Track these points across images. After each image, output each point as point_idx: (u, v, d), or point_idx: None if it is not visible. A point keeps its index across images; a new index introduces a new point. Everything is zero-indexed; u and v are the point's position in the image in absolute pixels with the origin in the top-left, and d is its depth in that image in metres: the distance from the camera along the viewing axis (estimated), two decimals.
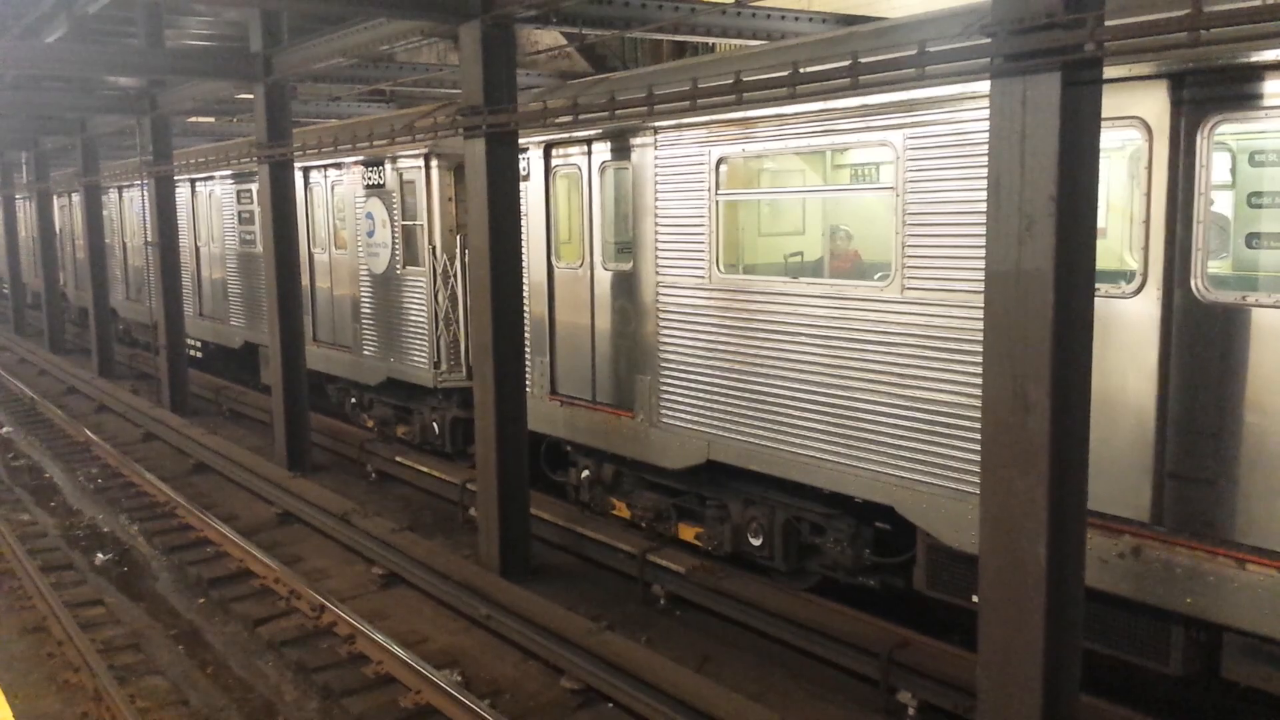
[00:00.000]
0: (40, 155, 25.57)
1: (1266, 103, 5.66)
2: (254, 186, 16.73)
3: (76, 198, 26.18)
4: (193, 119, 22.40)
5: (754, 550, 9.03)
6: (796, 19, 11.44)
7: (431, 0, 9.28)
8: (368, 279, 14.18)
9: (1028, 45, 5.17)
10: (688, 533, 9.71)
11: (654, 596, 9.34)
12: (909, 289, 7.30)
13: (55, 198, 27.78)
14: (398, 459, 13.46)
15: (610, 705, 7.52)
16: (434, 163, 12.74)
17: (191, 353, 19.80)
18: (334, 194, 15.06)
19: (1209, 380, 5.92)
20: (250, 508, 12.74)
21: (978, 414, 6.35)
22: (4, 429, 17.69)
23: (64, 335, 26.52)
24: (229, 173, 17.92)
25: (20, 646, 8.82)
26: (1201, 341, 5.95)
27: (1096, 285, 5.71)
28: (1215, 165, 5.98)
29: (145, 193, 18.13)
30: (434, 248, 12.83)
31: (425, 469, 12.94)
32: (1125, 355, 6.22)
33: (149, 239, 18.17)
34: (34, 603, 9.64)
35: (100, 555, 11.09)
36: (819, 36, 9.31)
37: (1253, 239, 6.28)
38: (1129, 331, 6.20)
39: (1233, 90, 5.77)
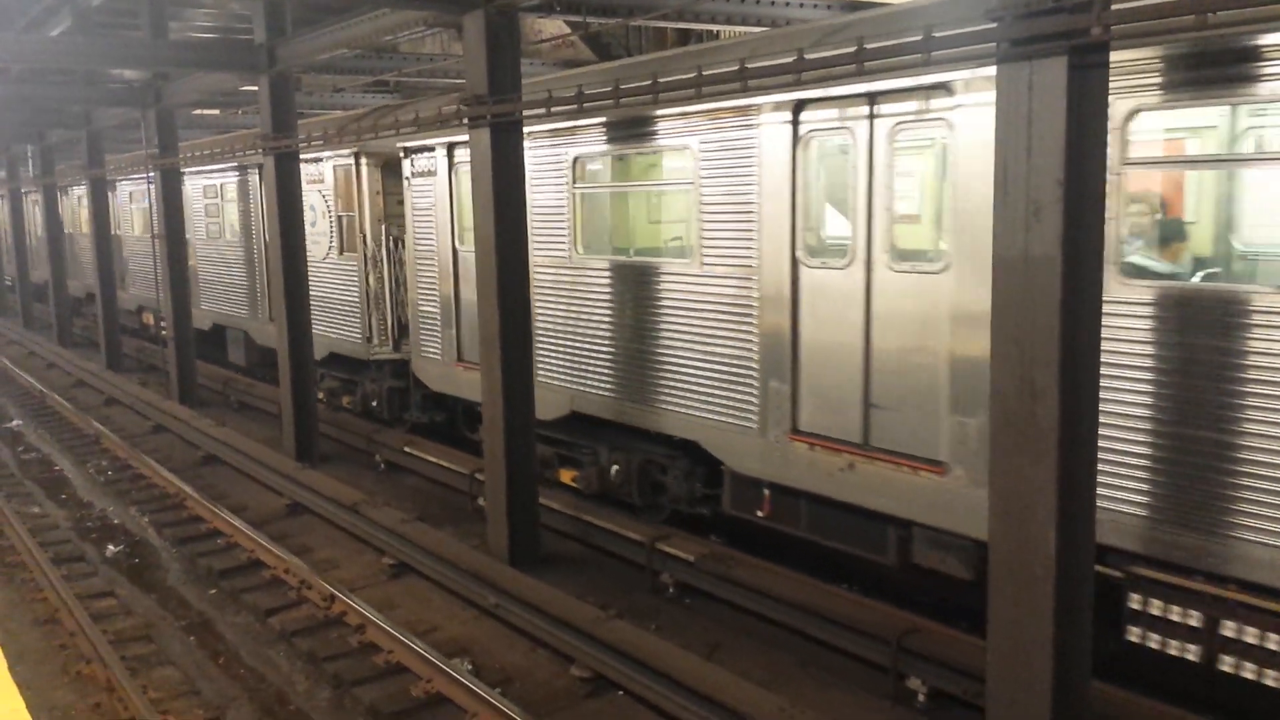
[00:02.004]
0: (46, 149, 25.59)
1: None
2: (220, 181, 18.62)
3: (75, 192, 27.44)
4: (197, 111, 22.41)
5: (617, 489, 10.54)
6: (801, 5, 11.39)
7: None
8: (311, 264, 15.10)
9: (1034, 29, 5.15)
10: (566, 476, 11.11)
11: (663, 585, 9.35)
12: (704, 264, 8.94)
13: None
14: (406, 449, 13.49)
15: (620, 693, 7.54)
16: (363, 160, 14.43)
17: (164, 334, 20.88)
18: None
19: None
20: (260, 499, 12.79)
21: (755, 365, 8.54)
22: (14, 422, 17.77)
23: (72, 328, 26.59)
24: (197, 169, 18.89)
25: (32, 638, 8.87)
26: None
27: (825, 261, 7.94)
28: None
29: (151, 186, 18.29)
30: (364, 236, 14.53)
31: (434, 459, 12.96)
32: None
33: (155, 231, 18.23)
34: (45, 595, 9.69)
35: (111, 547, 11.15)
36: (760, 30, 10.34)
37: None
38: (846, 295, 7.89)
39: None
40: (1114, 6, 4.97)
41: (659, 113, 9.09)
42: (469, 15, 9.28)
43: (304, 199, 14.86)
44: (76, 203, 27.97)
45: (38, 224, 30.02)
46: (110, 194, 23.51)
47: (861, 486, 7.81)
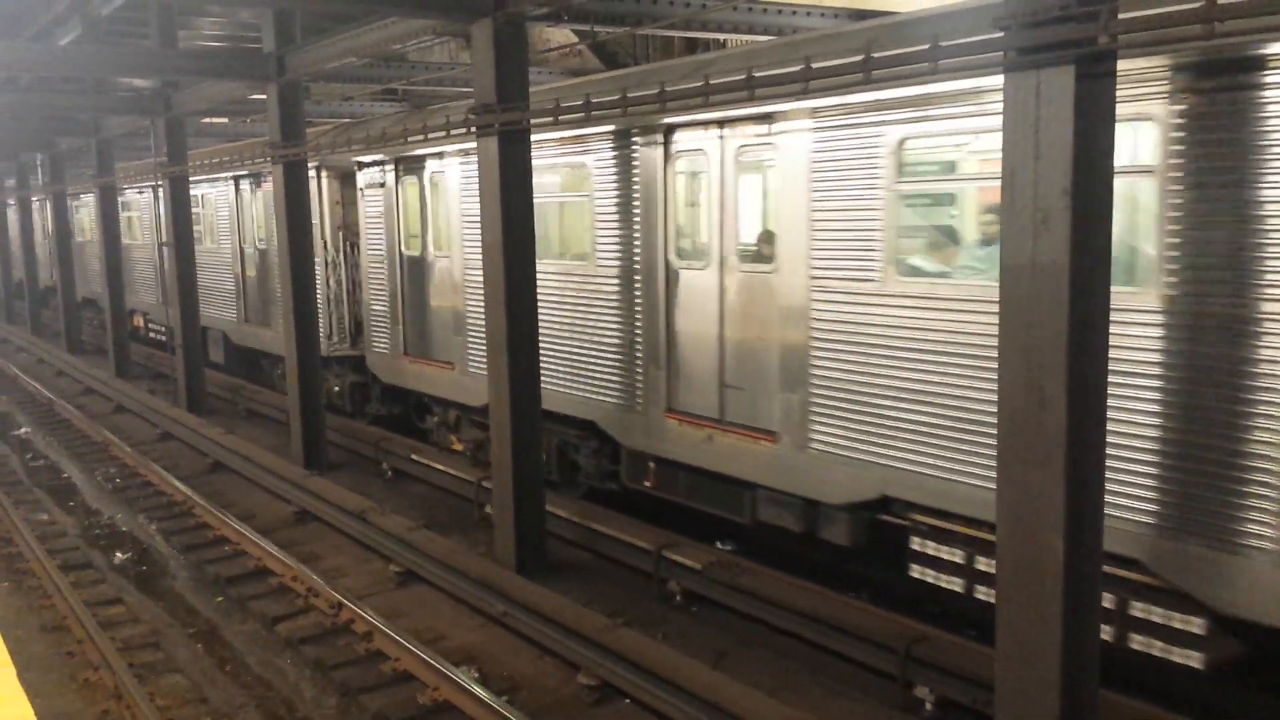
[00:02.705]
0: (55, 157, 25.68)
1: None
2: (204, 191, 19.89)
3: (76, 200, 28.01)
4: (207, 120, 22.49)
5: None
6: (808, 14, 11.40)
7: None
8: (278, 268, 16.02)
9: (1041, 38, 5.15)
10: None
11: (670, 593, 9.34)
12: (599, 266, 10.30)
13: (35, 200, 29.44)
14: (413, 457, 13.51)
15: (627, 701, 7.54)
16: (324, 173, 15.65)
17: (153, 334, 21.90)
18: (255, 199, 17.90)
19: None
20: (267, 506, 12.80)
21: (638, 353, 9.87)
22: (23, 430, 17.82)
23: (81, 335, 26.67)
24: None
25: (41, 645, 8.89)
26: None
27: (690, 263, 9.33)
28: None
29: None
30: (325, 242, 15.76)
31: (441, 466, 12.98)
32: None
33: (163, 239, 18.31)
34: (54, 601, 9.71)
35: (119, 554, 11.17)
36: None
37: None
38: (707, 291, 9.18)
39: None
40: (1120, 16, 4.98)
41: (562, 135, 10.30)
42: (477, 24, 9.31)
43: (274, 209, 15.47)
44: (74, 210, 28.33)
45: (39, 231, 30.32)
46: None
47: (718, 455, 9.14)
